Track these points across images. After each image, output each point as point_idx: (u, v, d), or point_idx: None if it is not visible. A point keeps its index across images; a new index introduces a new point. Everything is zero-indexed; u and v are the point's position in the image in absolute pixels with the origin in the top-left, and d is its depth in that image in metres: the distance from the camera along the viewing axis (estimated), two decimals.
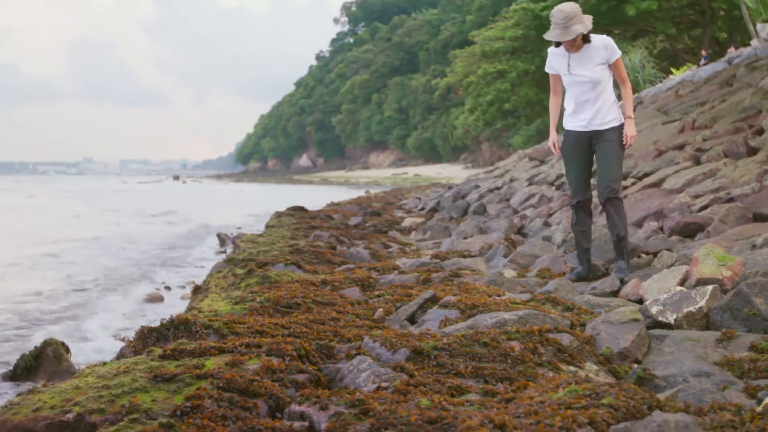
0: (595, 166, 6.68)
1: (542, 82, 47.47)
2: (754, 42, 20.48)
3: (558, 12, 6.27)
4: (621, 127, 6.53)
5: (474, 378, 3.66)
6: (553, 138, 6.83)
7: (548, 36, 6.34)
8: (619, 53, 6.51)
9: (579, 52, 6.43)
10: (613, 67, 6.49)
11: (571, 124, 6.64)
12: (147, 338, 4.53)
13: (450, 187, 25.34)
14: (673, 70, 32.52)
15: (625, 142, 6.53)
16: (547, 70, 6.75)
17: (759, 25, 20.08)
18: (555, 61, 6.60)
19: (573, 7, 6.27)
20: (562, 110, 6.88)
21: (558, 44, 6.53)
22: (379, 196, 28.25)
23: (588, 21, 6.34)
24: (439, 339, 4.01)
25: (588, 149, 6.60)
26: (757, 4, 20.47)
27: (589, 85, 6.45)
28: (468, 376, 3.66)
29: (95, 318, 9.66)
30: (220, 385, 3.38)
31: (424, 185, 42.19)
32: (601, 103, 6.48)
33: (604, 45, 6.42)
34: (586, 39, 6.40)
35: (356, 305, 5.74)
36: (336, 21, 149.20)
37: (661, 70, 34.58)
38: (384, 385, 3.42)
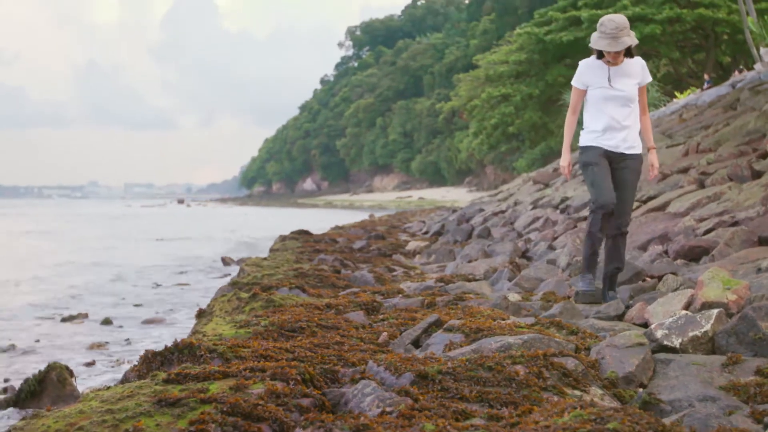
0: None
1: (546, 105, 47.67)
2: (757, 66, 20.52)
3: (609, 21, 6.06)
4: (641, 156, 6.36)
5: (479, 402, 3.64)
6: (568, 159, 6.57)
7: (596, 45, 6.13)
8: (650, 78, 6.37)
9: (618, 67, 6.23)
10: (640, 90, 6.33)
11: (598, 141, 6.34)
12: (151, 362, 4.52)
13: (454, 211, 25.35)
14: (677, 93, 32.60)
15: (651, 174, 6.43)
16: (574, 83, 6.45)
17: (762, 50, 20.11)
18: (590, 73, 6.34)
19: (623, 19, 6.08)
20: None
21: (599, 56, 6.28)
22: (383, 220, 28.26)
23: (633, 35, 6.16)
24: (444, 363, 4.00)
25: (609, 166, 6.34)
26: (760, 29, 20.53)
27: (624, 101, 6.24)
28: (472, 400, 3.65)
29: (98, 342, 9.66)
30: (224, 409, 3.37)
31: (429, 209, 42.23)
32: (631, 123, 6.28)
33: (641, 65, 6.31)
34: (628, 54, 6.23)
35: (360, 329, 5.73)
36: (340, 45, 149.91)
37: (665, 94, 34.65)
38: (388, 409, 3.41)
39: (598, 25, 6.15)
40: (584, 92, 6.41)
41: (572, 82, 6.48)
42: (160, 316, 11.87)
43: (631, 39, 6.07)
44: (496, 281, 8.70)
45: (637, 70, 6.27)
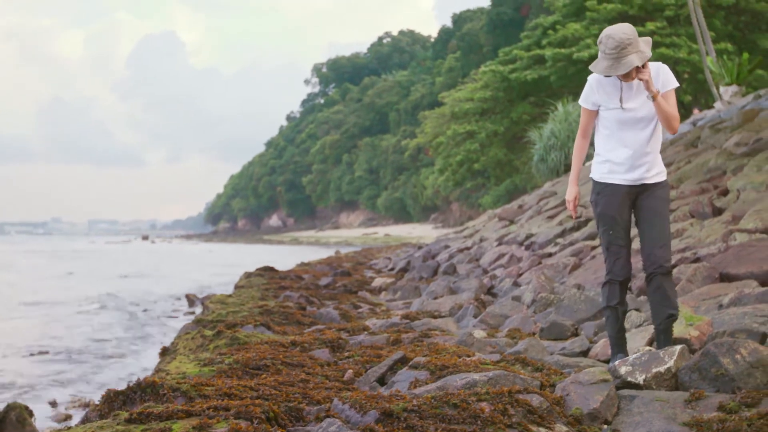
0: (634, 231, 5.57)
1: (511, 142, 48.03)
2: (717, 104, 20.87)
3: (608, 39, 5.02)
4: (667, 182, 5.37)
5: None
6: (575, 193, 5.54)
7: (595, 68, 5.14)
8: (675, 83, 5.28)
9: (633, 82, 5.18)
10: (665, 96, 5.19)
11: (619, 176, 5.29)
12: (113, 401, 4.46)
13: (420, 247, 25.37)
14: None
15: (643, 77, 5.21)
16: (583, 103, 5.41)
17: (722, 89, 20.46)
18: (601, 91, 5.29)
19: (627, 33, 5.00)
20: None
21: None
22: (349, 256, 28.20)
23: (646, 46, 5.13)
24: (409, 400, 3.99)
25: (630, 207, 5.40)
26: (720, 68, 20.90)
27: (645, 123, 5.22)
28: None
29: (60, 381, 9.52)
30: None
31: (395, 245, 42.21)
32: (653, 147, 5.30)
33: (656, 72, 5.21)
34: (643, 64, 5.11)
35: (326, 366, 5.71)
36: (307, 82, 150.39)
37: None
38: None
39: (598, 42, 5.16)
40: (595, 113, 5.39)
41: (580, 102, 5.45)
42: (123, 353, 11.73)
43: (639, 56, 5.03)
44: (462, 318, 8.71)
45: (655, 80, 5.20)
